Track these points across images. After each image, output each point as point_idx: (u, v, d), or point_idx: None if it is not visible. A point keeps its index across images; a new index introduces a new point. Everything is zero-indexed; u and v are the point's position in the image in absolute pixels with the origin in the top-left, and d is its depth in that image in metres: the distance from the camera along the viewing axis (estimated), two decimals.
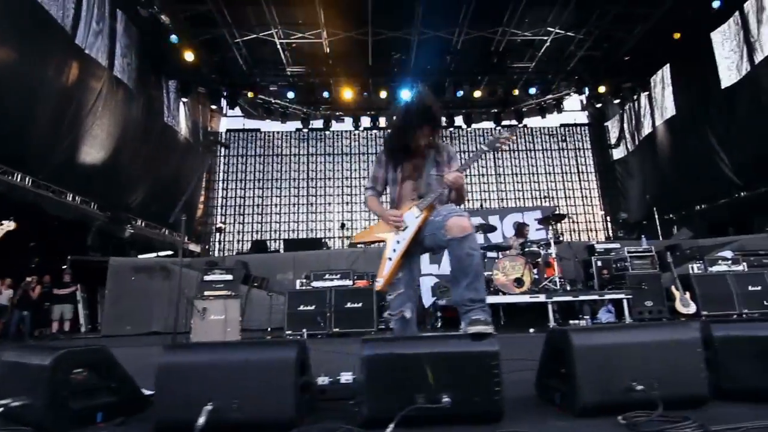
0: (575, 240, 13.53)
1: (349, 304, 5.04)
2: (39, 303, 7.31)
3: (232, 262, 7.71)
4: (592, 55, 13.53)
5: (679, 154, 12.10)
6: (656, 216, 10.98)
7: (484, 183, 14.90)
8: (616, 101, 13.95)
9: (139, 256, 9.40)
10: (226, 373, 1.53)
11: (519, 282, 4.86)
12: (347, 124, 14.47)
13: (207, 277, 4.96)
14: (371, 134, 14.96)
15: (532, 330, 4.49)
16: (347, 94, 13.46)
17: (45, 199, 7.68)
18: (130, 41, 9.58)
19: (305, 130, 14.37)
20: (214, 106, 13.45)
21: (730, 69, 10.26)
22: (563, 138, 15.17)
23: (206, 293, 4.90)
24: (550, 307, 4.58)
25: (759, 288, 5.36)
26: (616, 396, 1.46)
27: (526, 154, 15.17)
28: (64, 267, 7.70)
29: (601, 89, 13.67)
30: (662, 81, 13.11)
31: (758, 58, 9.38)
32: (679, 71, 12.23)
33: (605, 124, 15.35)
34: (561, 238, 5.93)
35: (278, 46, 12.93)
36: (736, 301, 5.29)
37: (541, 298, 4.61)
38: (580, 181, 14.97)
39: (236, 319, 4.86)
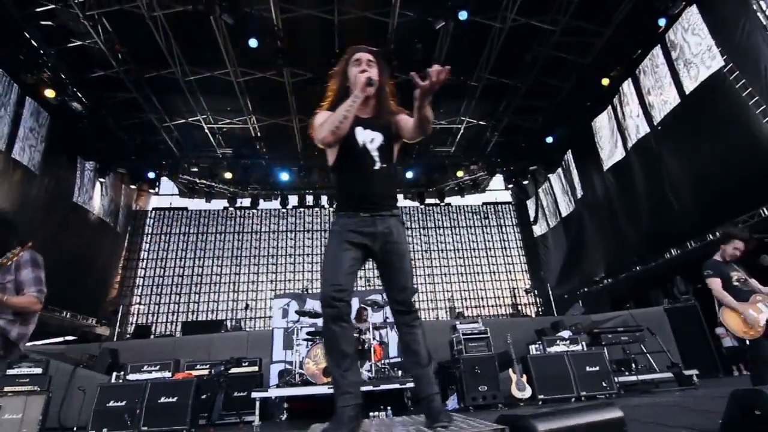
0: (498, 316, 13.55)
1: (163, 399, 4.74)
2: None
3: (97, 349, 7.32)
4: (505, 141, 14.67)
5: (587, 231, 12.72)
6: (551, 293, 11.22)
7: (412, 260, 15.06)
8: (525, 182, 14.87)
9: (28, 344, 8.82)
10: None
11: (326, 371, 4.74)
12: (275, 203, 14.77)
13: (11, 371, 4.64)
14: (299, 212, 15.31)
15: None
16: (282, 174, 13.98)
17: None
18: (37, 125, 9.86)
19: (232, 209, 14.59)
20: (133, 186, 13.59)
21: (611, 152, 11.24)
22: (485, 215, 15.83)
23: (6, 389, 4.54)
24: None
25: (597, 368, 5.37)
26: None
27: (451, 231, 15.64)
28: None
29: (512, 172, 14.69)
30: (568, 164, 14.17)
31: (629, 144, 10.36)
32: (579, 156, 13.29)
33: (527, 202, 16.18)
34: (387, 321, 5.92)
35: (206, 131, 13.58)
36: (574, 383, 5.25)
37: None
38: (504, 256, 15.38)
39: (36, 418, 4.47)
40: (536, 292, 13.45)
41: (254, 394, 4.70)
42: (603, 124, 11.46)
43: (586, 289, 12.68)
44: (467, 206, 16.09)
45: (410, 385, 4.56)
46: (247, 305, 11.15)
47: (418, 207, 15.83)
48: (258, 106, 13.11)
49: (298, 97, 12.34)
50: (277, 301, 6.82)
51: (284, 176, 13.61)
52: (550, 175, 14.54)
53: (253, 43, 9.01)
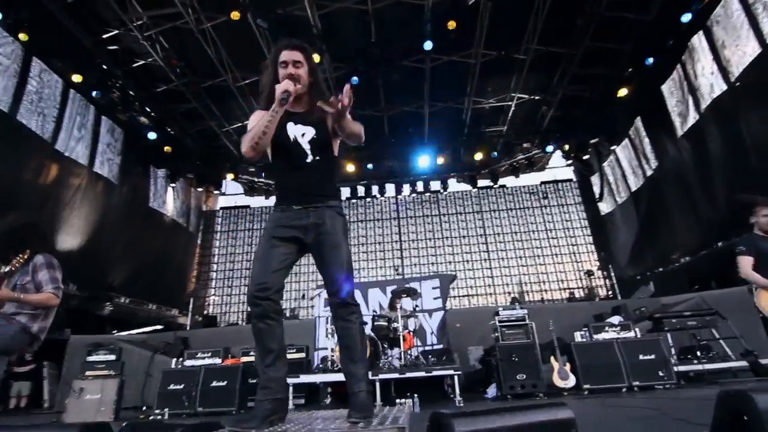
0: (562, 300, 12.87)
1: (215, 383, 5.18)
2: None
3: (173, 337, 8.13)
4: (562, 115, 13.72)
5: (661, 206, 11.56)
6: (615, 275, 10.35)
7: (465, 245, 14.80)
8: (586, 157, 13.80)
9: (119, 333, 10.09)
10: None
11: None
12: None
13: (90, 358, 5.35)
14: (366, 202, 15.67)
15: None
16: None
17: None
18: (113, 140, 11.06)
19: None
20: (200, 189, 14.75)
21: (684, 117, 10.04)
22: (544, 195, 14.98)
23: (87, 373, 5.26)
24: (377, 384, 4.46)
25: (653, 356, 4.91)
26: None
27: (507, 213, 15.04)
28: None
29: (575, 146, 13.70)
30: (638, 133, 12.91)
31: (703, 106, 9.18)
32: (649, 123, 12.05)
33: (591, 178, 15.05)
34: (416, 309, 5.81)
35: None
36: (625, 372, 4.86)
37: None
38: (566, 237, 14.48)
39: (111, 399, 5.13)
40: (603, 274, 12.50)
41: (289, 380, 4.97)
42: (672, 85, 10.25)
43: (660, 269, 11.55)
44: (524, 187, 15.35)
45: (440, 372, 4.53)
46: (303, 295, 11.69)
47: (470, 190, 15.40)
48: None
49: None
50: (321, 290, 7.10)
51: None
52: (614, 148, 13.36)
53: None
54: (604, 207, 14.33)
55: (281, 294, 2.09)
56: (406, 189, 15.21)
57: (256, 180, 14.78)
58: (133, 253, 11.58)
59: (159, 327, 12.43)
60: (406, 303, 5.66)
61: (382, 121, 13.78)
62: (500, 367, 4.88)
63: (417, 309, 5.78)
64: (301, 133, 2.16)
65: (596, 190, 14.58)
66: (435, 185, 15.08)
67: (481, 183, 14.89)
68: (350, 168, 13.97)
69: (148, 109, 12.20)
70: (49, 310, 2.90)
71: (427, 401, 4.69)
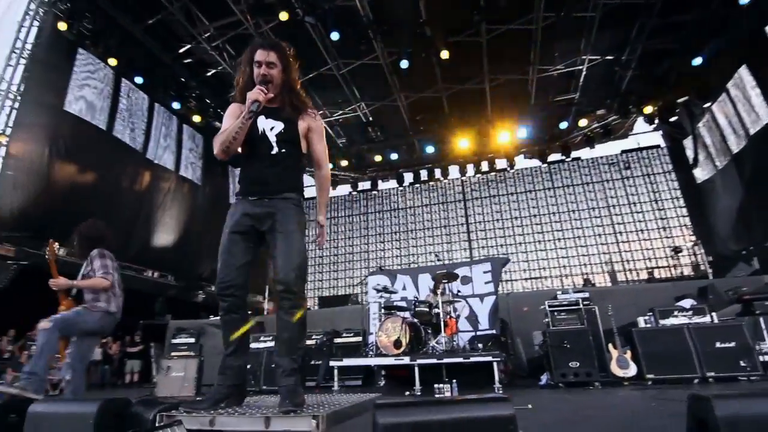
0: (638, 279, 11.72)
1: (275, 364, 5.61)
2: (116, 359, 9.53)
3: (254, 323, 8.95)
4: (643, 74, 12.28)
5: None
6: (703, 251, 9.04)
7: (536, 225, 14.05)
8: (673, 119, 12.16)
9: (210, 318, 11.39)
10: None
11: (397, 343, 4.84)
12: (392, 182, 15.43)
13: (174, 340, 6.14)
14: (430, 186, 15.66)
15: (409, 393, 4.46)
16: (392, 154, 14.56)
17: (128, 277, 10.12)
18: (195, 145, 12.27)
19: (355, 193, 15.85)
20: None
21: None
22: (626, 165, 13.56)
23: (172, 354, 6.05)
24: (416, 369, 4.47)
25: (732, 344, 4.32)
26: None
27: (582, 188, 13.91)
28: (137, 330, 9.90)
29: (661, 108, 12.18)
30: (742, 85, 11.09)
31: None
32: (757, 72, 10.27)
33: (684, 142, 13.29)
34: (458, 294, 5.60)
35: (324, 124, 14.87)
36: (697, 361, 4.34)
37: (405, 360, 4.54)
38: (654, 210, 13.01)
39: (193, 376, 5.86)
40: (695, 250, 11.06)
41: (332, 363, 5.24)
42: None
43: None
44: (601, 158, 14.05)
45: (476, 359, 4.43)
46: (360, 281, 12.07)
47: (540, 166, 14.51)
48: (365, 92, 13.71)
49: (398, 75, 12.50)
50: (372, 278, 7.29)
51: (393, 156, 14.04)
52: (709, 105, 11.63)
53: (334, 36, 9.45)
54: (700, 174, 12.60)
55: (246, 289, 2.15)
56: (471, 169, 14.79)
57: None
58: (218, 246, 12.83)
59: (248, 312, 13.75)
60: (455, 287, 5.60)
61: (441, 101, 13.48)
62: (551, 354, 4.66)
63: (459, 294, 5.69)
64: (270, 127, 2.18)
65: (690, 155, 12.86)
66: (501, 163, 14.46)
67: (552, 157, 13.95)
68: (406, 152, 13.95)
69: (222, 113, 13.31)
70: (113, 289, 3.35)
71: (476, 387, 4.66)
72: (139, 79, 10.48)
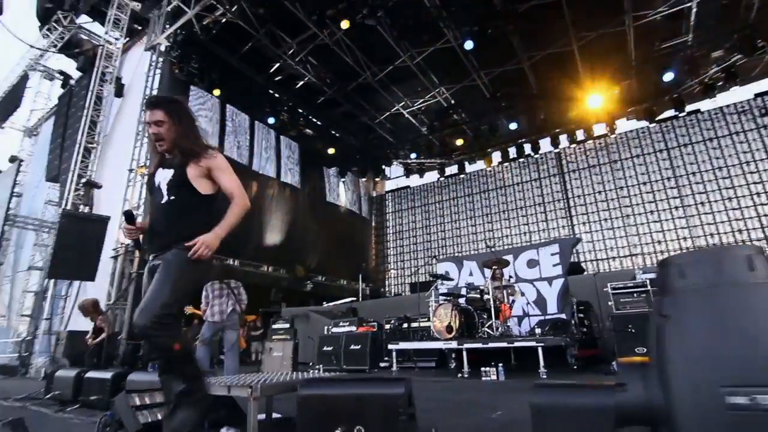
0: None
1: (352, 346, 6.27)
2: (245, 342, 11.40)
3: (343, 309, 9.91)
4: None
5: None
6: None
7: (647, 193, 12.47)
8: None
9: (325, 304, 12.82)
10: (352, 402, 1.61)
11: (449, 328, 4.94)
12: (479, 164, 15.15)
13: (273, 326, 7.23)
14: (520, 163, 15.11)
15: (460, 375, 4.63)
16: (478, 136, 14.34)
17: (248, 272, 11.95)
18: (292, 153, 13.75)
19: (443, 178, 15.96)
20: (363, 179, 16.72)
21: None
22: (763, 111, 11.15)
23: (273, 337, 7.15)
24: (464, 353, 4.53)
25: None
26: None
27: (704, 145, 11.87)
28: (256, 317, 11.67)
29: None
30: None
31: None
32: None
33: None
34: (509, 280, 5.31)
35: (407, 115, 15.23)
36: None
37: (453, 344, 4.62)
38: None
39: (289, 356, 6.87)
40: None
41: (390, 346, 5.65)
42: None
43: None
44: (727, 107, 11.80)
45: (522, 344, 4.37)
46: (432, 268, 12.25)
47: (647, 126, 12.79)
48: (443, 77, 13.71)
49: (474, 54, 12.26)
50: (440, 265, 7.47)
51: (479, 136, 13.79)
52: None
53: (403, 28, 9.71)
54: None
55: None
56: (564, 140, 13.75)
57: (409, 162, 15.87)
58: (320, 240, 14.27)
59: (352, 299, 14.99)
60: (521, 272, 5.54)
61: (523, 73, 12.77)
62: (615, 339, 4.40)
63: (511, 280, 5.58)
64: (164, 177, 2.21)
65: None
66: (600, 129, 13.15)
67: (662, 115, 12.20)
68: (490, 131, 13.54)
69: (314, 121, 14.61)
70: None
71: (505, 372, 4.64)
72: (239, 105, 12.15)
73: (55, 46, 11.43)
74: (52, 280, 9.51)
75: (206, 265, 2.18)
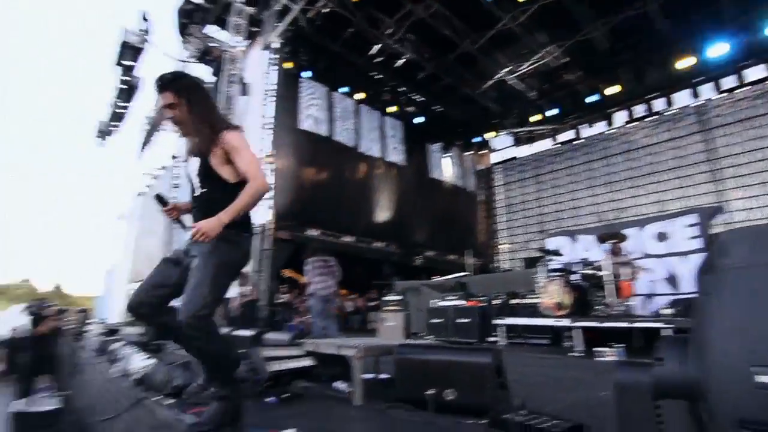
0: None
1: (461, 319, 6.35)
2: (363, 311, 12.28)
3: (452, 283, 10.04)
4: None
5: None
6: None
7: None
8: None
9: (435, 278, 13.20)
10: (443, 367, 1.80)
11: (559, 305, 4.60)
12: (597, 127, 13.65)
13: (385, 298, 7.68)
14: (630, 128, 13.32)
15: (571, 354, 4.39)
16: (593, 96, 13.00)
17: (362, 248, 12.79)
18: (396, 132, 14.10)
19: (558, 145, 14.78)
20: (468, 153, 16.28)
21: None
22: None
23: (385, 308, 7.62)
24: (578, 331, 4.18)
25: None
26: None
27: None
28: (372, 289, 12.42)
29: None
30: None
31: None
32: None
33: None
34: (632, 255, 4.54)
35: (511, 83, 14.39)
36: None
37: (564, 322, 4.29)
38: None
39: (401, 326, 7.28)
40: None
41: (496, 321, 5.53)
42: None
43: None
44: None
45: (641, 325, 3.91)
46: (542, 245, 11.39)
47: None
48: (552, 36, 12.67)
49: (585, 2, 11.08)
50: (550, 240, 7.02)
51: (595, 96, 12.42)
52: None
53: None
54: None
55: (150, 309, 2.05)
56: (708, 90, 11.61)
57: (517, 131, 15.04)
58: (427, 216, 14.53)
59: (462, 274, 15.03)
60: (648, 247, 5.00)
61: (647, 18, 11.04)
62: None
63: (634, 255, 4.96)
64: (194, 167, 2.07)
65: None
66: (756, 73, 10.82)
67: None
68: (614, 89, 12.09)
69: (415, 98, 14.70)
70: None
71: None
72: (345, 89, 12.81)
73: (193, 57, 13.30)
74: None
75: (242, 255, 2.08)
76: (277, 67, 11.39)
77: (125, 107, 12.71)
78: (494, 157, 17.56)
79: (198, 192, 2.06)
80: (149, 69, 11.33)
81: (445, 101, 15.15)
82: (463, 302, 6.62)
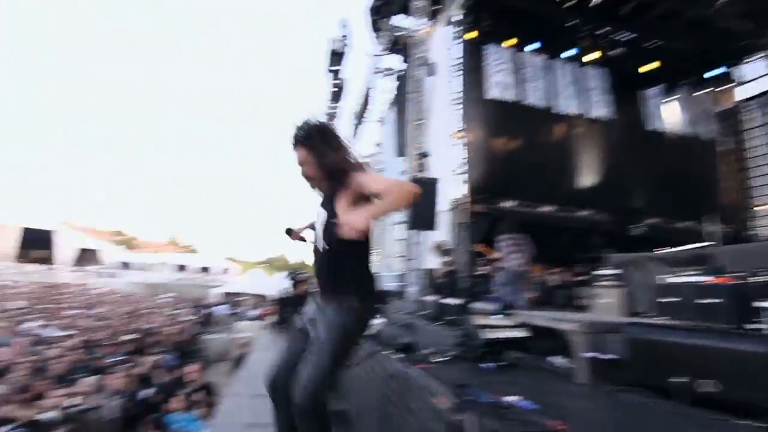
0: None
1: (702, 299, 5.09)
2: (570, 285, 11.33)
3: (689, 255, 8.28)
4: None
5: None
6: None
7: None
8: None
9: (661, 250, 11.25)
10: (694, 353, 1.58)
11: None
12: None
13: (597, 272, 6.88)
14: None
15: None
16: None
17: (563, 217, 11.80)
18: (598, 83, 12.29)
19: None
20: (700, 91, 12.72)
21: None
22: None
23: (597, 283, 6.85)
24: None
25: None
26: None
27: None
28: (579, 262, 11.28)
29: None
30: None
31: None
32: None
33: None
34: None
35: None
36: None
37: None
38: None
39: (618, 302, 6.46)
40: None
41: (759, 303, 4.10)
42: None
43: None
44: None
45: None
46: None
47: None
48: None
49: None
50: None
51: None
52: None
53: None
54: None
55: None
56: None
57: None
58: (646, 177, 12.29)
59: (703, 244, 12.21)
60: None
61: None
62: None
63: None
64: (321, 219, 2.01)
65: None
66: None
67: None
68: None
69: (622, 38, 12.46)
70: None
71: None
72: (533, 45, 11.81)
73: (386, 49, 14.41)
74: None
75: (365, 325, 1.98)
76: (460, 40, 11.32)
77: (336, 107, 14.84)
78: (742, 92, 13.37)
79: (321, 248, 1.98)
80: (351, 69, 12.88)
81: (664, 33, 12.30)
82: (704, 279, 5.37)
